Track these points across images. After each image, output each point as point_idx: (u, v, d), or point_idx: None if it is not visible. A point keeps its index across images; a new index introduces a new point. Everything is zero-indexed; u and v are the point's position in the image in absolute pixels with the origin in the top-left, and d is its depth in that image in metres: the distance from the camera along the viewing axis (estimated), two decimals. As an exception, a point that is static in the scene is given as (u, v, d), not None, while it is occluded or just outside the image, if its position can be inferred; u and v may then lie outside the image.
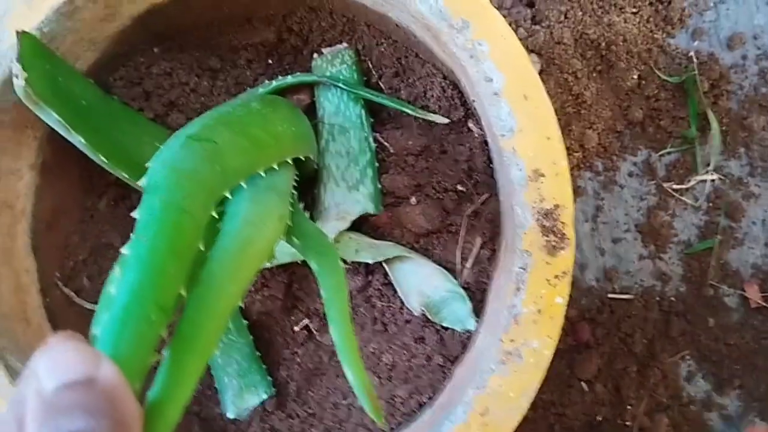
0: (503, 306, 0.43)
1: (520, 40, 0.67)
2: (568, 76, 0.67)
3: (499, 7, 0.69)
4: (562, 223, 0.42)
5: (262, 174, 0.42)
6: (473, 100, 0.47)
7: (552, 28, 0.67)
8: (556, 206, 0.42)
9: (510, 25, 0.68)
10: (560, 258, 0.42)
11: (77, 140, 0.45)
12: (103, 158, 0.46)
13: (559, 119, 0.41)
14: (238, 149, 0.41)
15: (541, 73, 0.67)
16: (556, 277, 0.42)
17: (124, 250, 0.31)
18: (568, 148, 0.68)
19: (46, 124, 0.45)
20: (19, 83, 0.42)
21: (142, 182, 0.35)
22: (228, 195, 0.39)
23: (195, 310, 0.33)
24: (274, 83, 0.54)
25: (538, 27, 0.68)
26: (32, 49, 0.44)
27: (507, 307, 0.43)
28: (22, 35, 0.43)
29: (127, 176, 0.48)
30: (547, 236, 0.42)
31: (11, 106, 0.47)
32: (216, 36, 0.55)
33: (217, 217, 0.38)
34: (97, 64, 0.51)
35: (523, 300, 0.42)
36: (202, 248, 0.34)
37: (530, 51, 0.67)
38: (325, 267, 0.42)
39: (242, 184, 0.40)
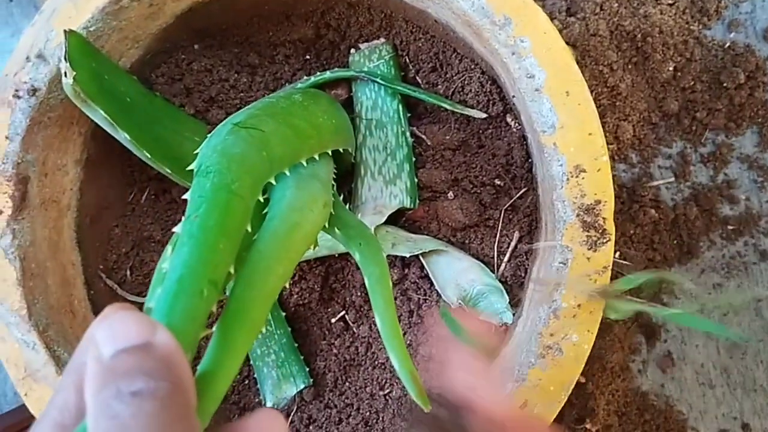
0: (543, 300, 0.43)
1: (555, 32, 0.67)
2: (603, 67, 0.67)
3: (533, -1, 0.69)
4: (603, 218, 0.42)
5: (304, 164, 0.43)
6: (513, 96, 0.48)
7: (587, 20, 0.67)
8: (597, 201, 0.42)
9: (544, 17, 0.68)
10: (601, 253, 0.42)
11: (122, 137, 0.46)
12: (147, 153, 0.47)
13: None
14: (283, 138, 0.42)
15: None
16: (597, 272, 0.42)
17: (177, 229, 0.32)
18: (602, 141, 0.68)
19: (92, 120, 0.46)
20: (67, 82, 0.43)
21: (192, 166, 0.36)
22: (273, 182, 0.40)
23: (244, 288, 0.34)
24: (312, 78, 0.54)
25: (573, 19, 0.68)
26: (79, 47, 0.45)
27: (547, 301, 0.43)
28: (69, 34, 0.44)
29: (169, 171, 0.49)
30: (588, 231, 0.42)
31: (59, 103, 0.48)
32: (255, 33, 0.56)
33: (263, 202, 0.39)
34: (140, 61, 0.52)
35: (563, 295, 0.43)
36: (249, 230, 0.35)
37: (565, 43, 0.67)
38: (368, 256, 0.43)
39: (286, 172, 0.41)
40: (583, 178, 0.42)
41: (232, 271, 0.33)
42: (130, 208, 0.57)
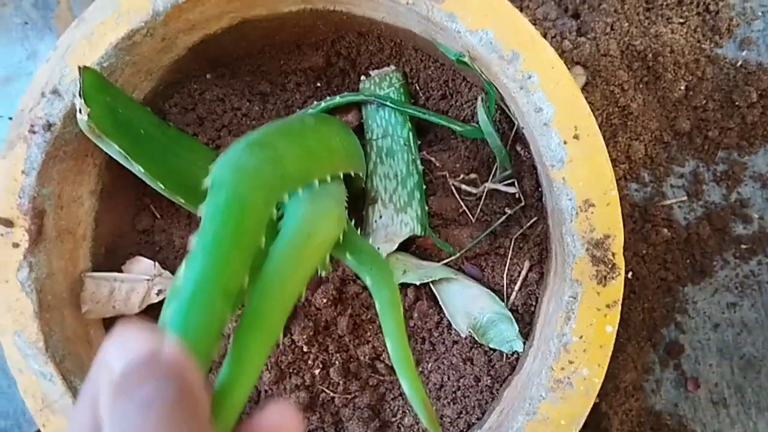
0: (553, 333, 0.43)
1: (565, 52, 0.67)
2: (614, 87, 0.67)
3: (544, 19, 0.69)
4: (613, 253, 0.42)
5: (317, 184, 0.43)
6: (522, 127, 0.48)
7: (598, 40, 0.67)
8: (606, 236, 0.42)
9: (555, 37, 0.68)
10: (610, 287, 0.42)
11: (137, 169, 0.46)
12: (160, 185, 0.48)
13: (605, 131, 0.41)
14: (296, 157, 0.42)
15: (586, 85, 0.67)
16: (607, 306, 0.42)
17: (191, 240, 0.32)
18: (614, 160, 0.68)
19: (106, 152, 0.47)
20: (82, 118, 0.44)
21: (206, 182, 0.36)
22: (286, 200, 0.40)
23: (258, 300, 0.34)
24: (323, 104, 0.55)
25: (583, 39, 0.67)
26: (93, 83, 0.46)
27: (557, 335, 0.43)
28: (84, 70, 0.45)
29: (183, 201, 0.50)
30: (597, 266, 0.42)
31: (74, 137, 0.48)
32: (267, 62, 0.56)
33: (276, 220, 0.40)
34: (153, 92, 0.53)
35: (573, 329, 0.43)
36: (263, 245, 0.35)
37: (575, 63, 0.67)
38: (378, 281, 0.43)
39: (299, 191, 0.41)
40: (592, 213, 0.42)
41: (245, 284, 0.33)
42: (145, 236, 0.58)
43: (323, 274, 0.51)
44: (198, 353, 0.28)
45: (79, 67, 0.45)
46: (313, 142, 0.44)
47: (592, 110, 0.42)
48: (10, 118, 0.76)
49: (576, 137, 0.42)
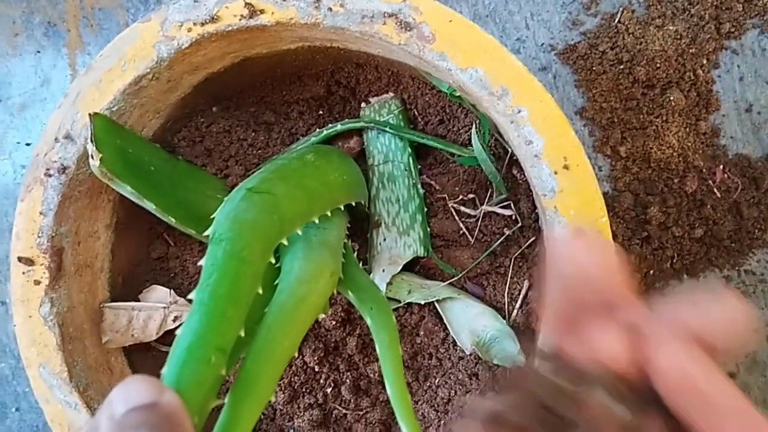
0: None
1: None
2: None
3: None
4: (604, 278, 0.44)
5: (316, 221, 0.45)
6: (515, 155, 0.49)
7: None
8: (598, 262, 0.44)
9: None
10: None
11: (149, 206, 0.49)
12: (172, 219, 0.50)
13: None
14: (294, 200, 0.44)
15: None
16: (600, 328, 0.44)
17: (191, 296, 0.35)
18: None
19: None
20: (94, 164, 0.46)
21: (208, 232, 0.38)
22: (285, 242, 0.42)
23: (253, 361, 0.36)
24: (325, 131, 0.57)
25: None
26: (104, 127, 0.48)
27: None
28: (94, 117, 0.47)
29: (194, 232, 0.52)
30: (590, 291, 0.44)
31: (87, 177, 0.51)
32: (269, 93, 0.58)
33: (275, 265, 0.42)
34: (161, 128, 0.55)
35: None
36: (260, 292, 0.38)
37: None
38: (378, 323, 0.45)
39: (298, 231, 0.43)
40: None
41: (242, 334, 0.35)
42: (160, 263, 0.60)
43: (322, 317, 0.54)
44: (191, 405, 0.30)
45: (90, 114, 0.47)
46: (312, 182, 0.46)
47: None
48: (27, 144, 0.79)
49: (566, 167, 0.44)
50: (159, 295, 0.57)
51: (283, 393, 0.56)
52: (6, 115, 0.79)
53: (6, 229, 0.77)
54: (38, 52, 0.79)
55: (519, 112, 0.44)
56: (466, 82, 0.45)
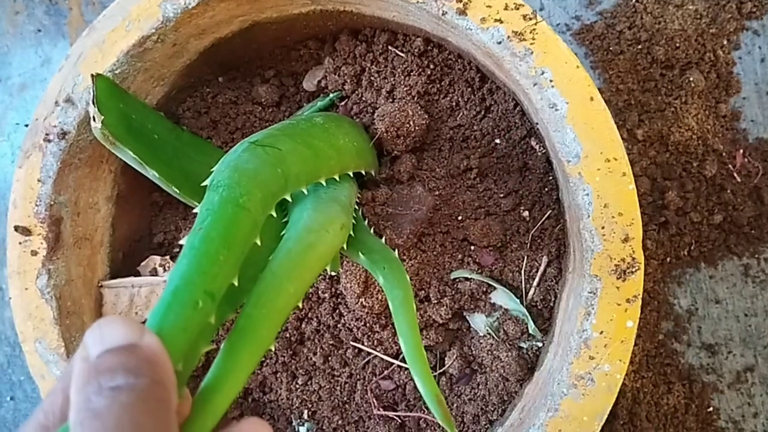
0: (573, 330, 0.43)
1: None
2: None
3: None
4: (632, 247, 0.42)
5: (324, 184, 0.43)
6: (536, 123, 0.47)
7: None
8: (624, 231, 0.42)
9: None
10: (630, 282, 0.42)
11: (151, 174, 0.46)
12: (175, 189, 0.48)
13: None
14: (300, 157, 0.42)
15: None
16: (627, 300, 0.42)
17: (183, 240, 0.32)
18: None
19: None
20: (96, 126, 0.44)
21: (206, 182, 0.36)
22: (289, 199, 0.39)
23: (253, 306, 0.34)
24: (332, 95, 0.55)
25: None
26: (106, 90, 0.46)
27: (577, 331, 0.43)
28: (96, 78, 0.45)
29: (198, 203, 0.50)
30: (616, 261, 0.42)
31: (88, 144, 0.49)
32: (278, 63, 0.56)
33: (281, 223, 0.40)
34: (166, 97, 0.53)
35: (594, 324, 0.42)
36: (258, 243, 0.35)
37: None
38: (391, 280, 0.43)
39: (304, 190, 0.41)
40: (609, 207, 0.42)
41: (236, 283, 0.33)
42: (161, 238, 0.58)
43: (333, 273, 0.51)
44: (175, 351, 0.27)
45: (92, 75, 0.45)
46: (320, 142, 0.44)
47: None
48: (27, 125, 0.77)
49: (591, 132, 0.42)
50: (158, 262, 0.55)
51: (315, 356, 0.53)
52: (5, 96, 0.77)
53: (5, 212, 0.75)
54: (39, 30, 0.78)
55: (542, 73, 0.42)
56: (486, 42, 0.43)
